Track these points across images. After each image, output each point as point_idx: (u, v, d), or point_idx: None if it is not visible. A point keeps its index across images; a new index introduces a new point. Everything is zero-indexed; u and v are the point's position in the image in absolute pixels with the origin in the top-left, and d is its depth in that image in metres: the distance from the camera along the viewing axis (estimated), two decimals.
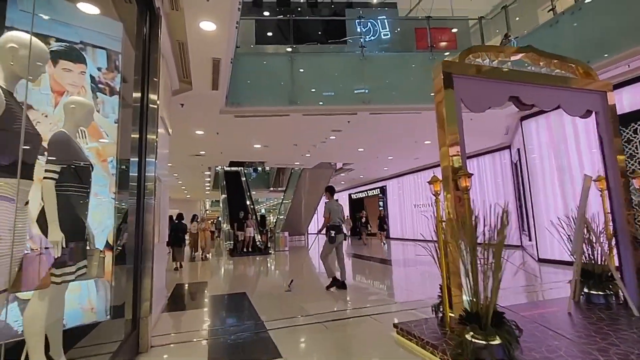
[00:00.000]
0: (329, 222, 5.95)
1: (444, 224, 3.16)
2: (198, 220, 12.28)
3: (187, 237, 15.23)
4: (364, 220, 16.78)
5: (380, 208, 14.28)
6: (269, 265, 10.30)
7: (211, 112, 7.28)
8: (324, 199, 6.60)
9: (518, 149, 9.69)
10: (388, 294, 5.67)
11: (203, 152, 11.21)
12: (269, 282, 7.52)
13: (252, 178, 24.60)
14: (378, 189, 20.25)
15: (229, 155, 11.88)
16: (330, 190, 6.44)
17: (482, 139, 10.98)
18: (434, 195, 3.30)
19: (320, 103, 7.63)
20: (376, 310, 4.41)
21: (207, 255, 12.19)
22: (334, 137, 9.70)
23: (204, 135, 9.00)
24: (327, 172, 16.92)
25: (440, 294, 3.36)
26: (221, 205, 19.18)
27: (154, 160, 3.54)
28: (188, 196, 26.49)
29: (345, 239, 15.02)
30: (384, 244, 15.39)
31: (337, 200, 6.61)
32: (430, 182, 3.36)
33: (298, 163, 13.80)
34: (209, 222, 11.68)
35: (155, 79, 3.65)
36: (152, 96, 3.61)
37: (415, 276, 7.44)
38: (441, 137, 3.28)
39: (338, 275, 5.94)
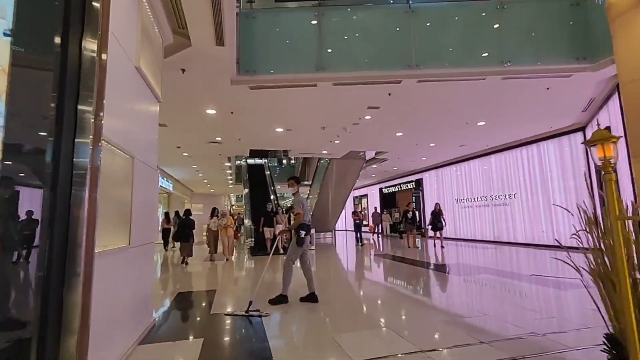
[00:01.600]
0: (302, 218, 4.78)
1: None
2: (218, 215, 10.46)
3: (204, 234, 14.25)
4: (410, 215, 12.29)
5: (437, 202, 12.11)
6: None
7: (221, 82, 5.91)
8: (289, 191, 5.13)
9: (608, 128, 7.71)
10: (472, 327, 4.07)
11: (219, 139, 9.95)
12: (295, 294, 6.09)
13: (276, 172, 23.43)
14: (413, 183, 18.40)
15: (248, 142, 10.57)
16: (297, 180, 5.13)
17: (547, 119, 9.01)
18: (604, 169, 1.70)
19: (355, 69, 6.07)
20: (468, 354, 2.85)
21: (229, 257, 9.93)
22: (369, 117, 8.12)
23: (216, 115, 7.68)
24: (357, 163, 15.32)
25: (609, 347, 1.78)
26: (243, 199, 18.07)
27: (88, 142, 2.15)
28: (212, 190, 25.70)
29: (360, 242, 13.90)
30: (443, 247, 11.36)
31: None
32: (590, 143, 1.75)
33: (326, 152, 12.30)
34: (232, 217, 9.99)
35: (95, 3, 2.25)
36: (90, 40, 2.22)
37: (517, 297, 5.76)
38: None
39: (306, 288, 4.82)
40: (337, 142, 10.57)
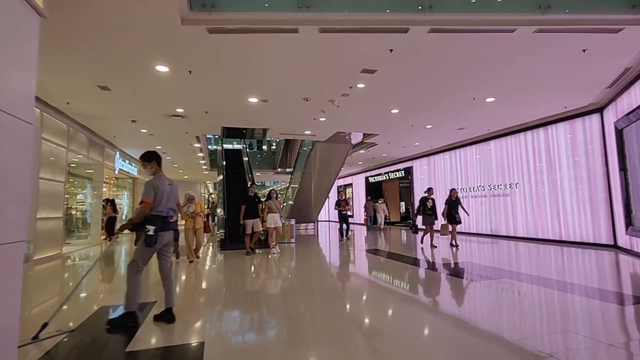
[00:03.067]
0: (151, 209, 3.48)
1: None
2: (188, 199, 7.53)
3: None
4: (430, 205, 9.36)
5: (453, 188, 9.49)
6: (268, 265, 7.49)
7: (168, 20, 4.33)
8: (146, 172, 3.84)
9: (632, 112, 6.57)
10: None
11: (181, 111, 8.30)
12: (266, 300, 4.67)
13: (257, 160, 21.78)
14: (402, 171, 17.19)
15: (218, 117, 8.96)
16: (155, 158, 3.78)
17: (565, 96, 7.83)
18: None
19: (350, 9, 4.60)
20: None
21: (194, 258, 7.36)
22: (362, 86, 6.69)
23: (170, 75, 6.06)
24: (343, 148, 13.95)
25: None
26: (217, 187, 16.40)
27: None
28: (185, 177, 23.82)
29: (346, 235, 11.80)
30: (457, 246, 9.07)
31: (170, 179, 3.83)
32: None
33: (309, 132, 10.82)
34: (200, 204, 7.71)
35: None
36: None
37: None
38: None
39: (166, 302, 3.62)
40: (323, 119, 9.11)
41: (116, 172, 13.34)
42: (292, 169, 18.89)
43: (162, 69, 5.79)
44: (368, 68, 5.91)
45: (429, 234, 9.27)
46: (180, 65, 5.72)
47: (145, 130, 10.34)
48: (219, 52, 5.24)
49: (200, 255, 7.98)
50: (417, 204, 10.68)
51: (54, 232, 8.49)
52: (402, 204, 21.48)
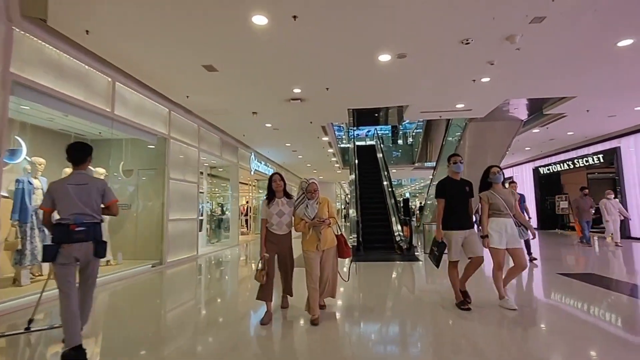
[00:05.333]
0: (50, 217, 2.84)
1: None
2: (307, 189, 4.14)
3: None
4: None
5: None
6: (411, 282, 5.24)
7: None
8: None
9: None
10: None
11: (299, 91, 6.88)
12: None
13: (392, 156, 19.57)
14: (599, 155, 12.10)
15: (343, 95, 7.20)
16: (68, 153, 2.95)
17: None
18: None
19: None
20: None
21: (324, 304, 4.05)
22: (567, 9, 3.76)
23: (271, 27, 4.54)
24: (508, 127, 10.41)
25: None
26: (349, 188, 14.90)
27: None
28: (321, 177, 23.51)
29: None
30: None
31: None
32: None
33: (462, 106, 8.00)
34: (331, 206, 4.87)
35: None
36: None
37: None
38: None
39: None
40: (487, 79, 6.28)
41: (252, 173, 13.32)
42: (435, 165, 15.94)
43: (259, 19, 4.30)
44: None
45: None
46: (281, 10, 4.11)
47: (270, 125, 9.51)
48: None
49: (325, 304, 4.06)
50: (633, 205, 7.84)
51: (188, 233, 8.32)
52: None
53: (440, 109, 8.34)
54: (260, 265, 3.62)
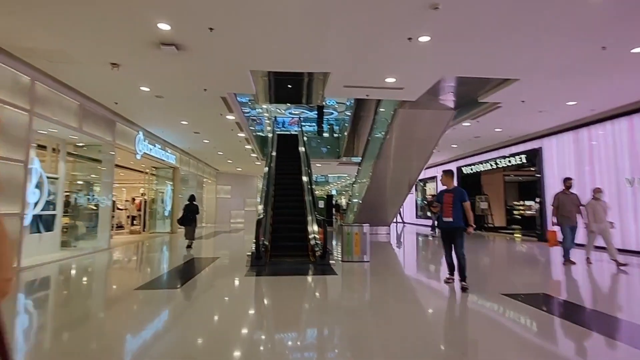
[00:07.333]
0: None
1: None
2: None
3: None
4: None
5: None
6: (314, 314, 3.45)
7: None
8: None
9: None
10: None
11: (167, 27, 4.62)
12: None
13: (313, 147, 17.94)
14: (521, 156, 11.86)
15: (235, 43, 5.11)
16: None
17: None
18: None
19: None
20: None
21: None
22: None
23: None
24: (440, 117, 9.38)
25: None
26: (262, 181, 12.76)
27: None
28: (238, 169, 20.99)
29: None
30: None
31: None
32: None
33: (393, 80, 6.47)
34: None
35: None
36: None
37: None
38: None
39: None
40: (426, 39, 4.77)
41: (138, 156, 10.46)
42: (360, 159, 14.72)
43: None
44: None
45: None
46: None
47: (147, 89, 6.99)
48: None
49: None
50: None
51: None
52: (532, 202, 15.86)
53: (367, 84, 6.73)
54: None
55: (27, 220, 6.83)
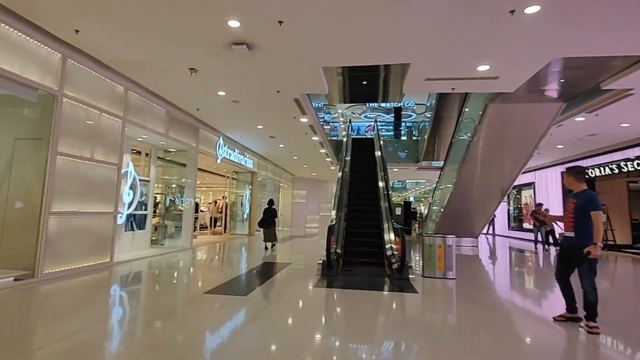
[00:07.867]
0: None
1: None
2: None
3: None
4: None
5: None
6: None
7: None
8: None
9: None
10: None
11: (236, 24, 4.48)
12: None
13: (389, 151, 17.04)
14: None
15: (306, 37, 4.77)
16: None
17: None
18: None
19: None
20: None
21: None
22: None
23: None
24: (545, 112, 7.89)
25: None
26: (334, 188, 12.37)
27: None
28: (313, 174, 21.09)
29: None
30: None
31: None
32: None
33: (486, 68, 5.52)
34: None
35: None
36: None
37: None
38: None
39: None
40: (535, 9, 3.84)
41: (218, 161, 10.96)
42: (442, 164, 13.43)
43: None
44: None
45: None
46: None
47: (223, 93, 7.13)
48: None
49: None
50: None
51: (95, 233, 5.98)
52: None
53: (453, 74, 5.86)
54: None
55: (122, 219, 7.46)
